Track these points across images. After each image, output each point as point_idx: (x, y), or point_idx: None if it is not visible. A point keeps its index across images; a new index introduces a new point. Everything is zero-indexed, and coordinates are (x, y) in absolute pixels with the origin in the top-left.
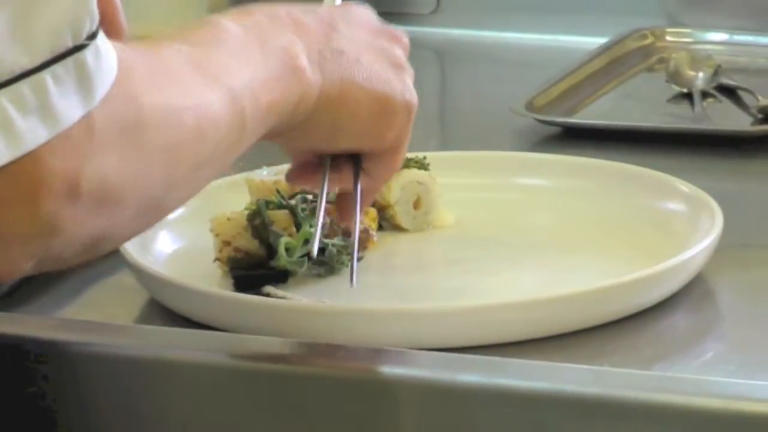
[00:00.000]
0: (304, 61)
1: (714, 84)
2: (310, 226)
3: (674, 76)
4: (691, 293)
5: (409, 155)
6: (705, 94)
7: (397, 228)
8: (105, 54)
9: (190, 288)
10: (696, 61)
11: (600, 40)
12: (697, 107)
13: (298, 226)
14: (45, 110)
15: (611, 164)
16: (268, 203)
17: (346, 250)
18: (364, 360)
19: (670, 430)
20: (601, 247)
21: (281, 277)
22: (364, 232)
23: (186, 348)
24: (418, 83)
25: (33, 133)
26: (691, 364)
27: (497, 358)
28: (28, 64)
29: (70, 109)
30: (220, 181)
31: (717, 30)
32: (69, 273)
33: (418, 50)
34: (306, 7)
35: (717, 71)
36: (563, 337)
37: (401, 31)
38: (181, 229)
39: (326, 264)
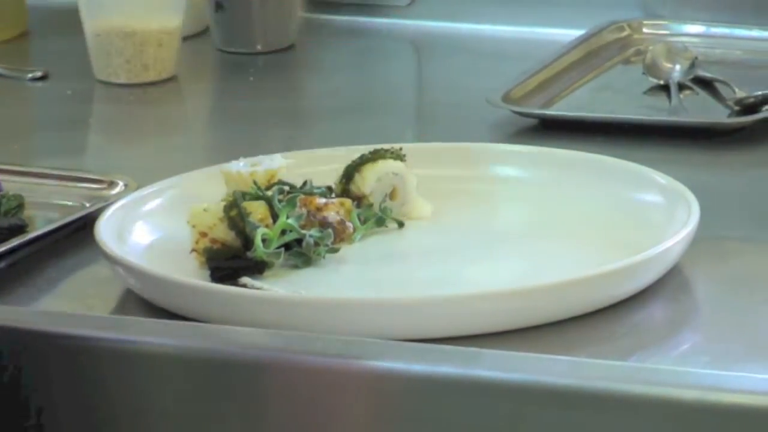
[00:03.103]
0: None
1: (691, 76)
2: (287, 218)
3: (651, 68)
4: (668, 284)
5: (385, 146)
6: (682, 86)
7: None
8: None
9: (166, 279)
10: (673, 54)
11: (577, 32)
12: (674, 99)
13: (275, 218)
14: None
15: (588, 156)
16: (244, 194)
17: (323, 241)
18: (340, 351)
19: (646, 422)
20: (578, 239)
21: (258, 268)
22: (340, 223)
23: (162, 339)
24: (394, 75)
25: None
26: (668, 356)
27: (473, 349)
28: None
29: None
30: (196, 172)
31: (694, 22)
32: (45, 264)
33: (394, 42)
34: None
35: (694, 63)
36: (539, 328)
37: None
38: (157, 221)
39: (303, 255)
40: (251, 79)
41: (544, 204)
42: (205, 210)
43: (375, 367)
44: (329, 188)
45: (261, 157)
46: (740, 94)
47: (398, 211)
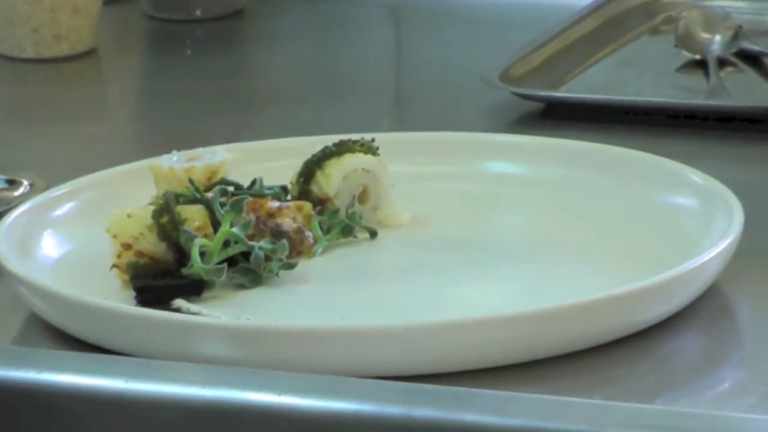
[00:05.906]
0: None
1: (733, 49)
2: (232, 226)
3: (684, 40)
4: (704, 308)
5: (355, 137)
6: (722, 62)
7: None
8: None
9: (80, 302)
10: (711, 22)
11: None
12: (713, 78)
13: (216, 226)
14: None
15: (606, 148)
16: (178, 196)
17: (276, 255)
18: (296, 390)
19: None
20: (593, 252)
21: (195, 288)
22: (298, 232)
23: (76, 375)
24: (368, 48)
25: None
26: (703, 397)
27: (462, 389)
28: None
29: None
30: (118, 169)
31: None
32: None
33: (369, 8)
34: None
35: (737, 34)
36: (545, 363)
37: None
38: (70, 229)
39: (251, 272)
40: (189, 53)
41: (550, 208)
42: (129, 216)
43: (340, 410)
44: (284, 189)
45: (199, 150)
46: None
47: (369, 218)
